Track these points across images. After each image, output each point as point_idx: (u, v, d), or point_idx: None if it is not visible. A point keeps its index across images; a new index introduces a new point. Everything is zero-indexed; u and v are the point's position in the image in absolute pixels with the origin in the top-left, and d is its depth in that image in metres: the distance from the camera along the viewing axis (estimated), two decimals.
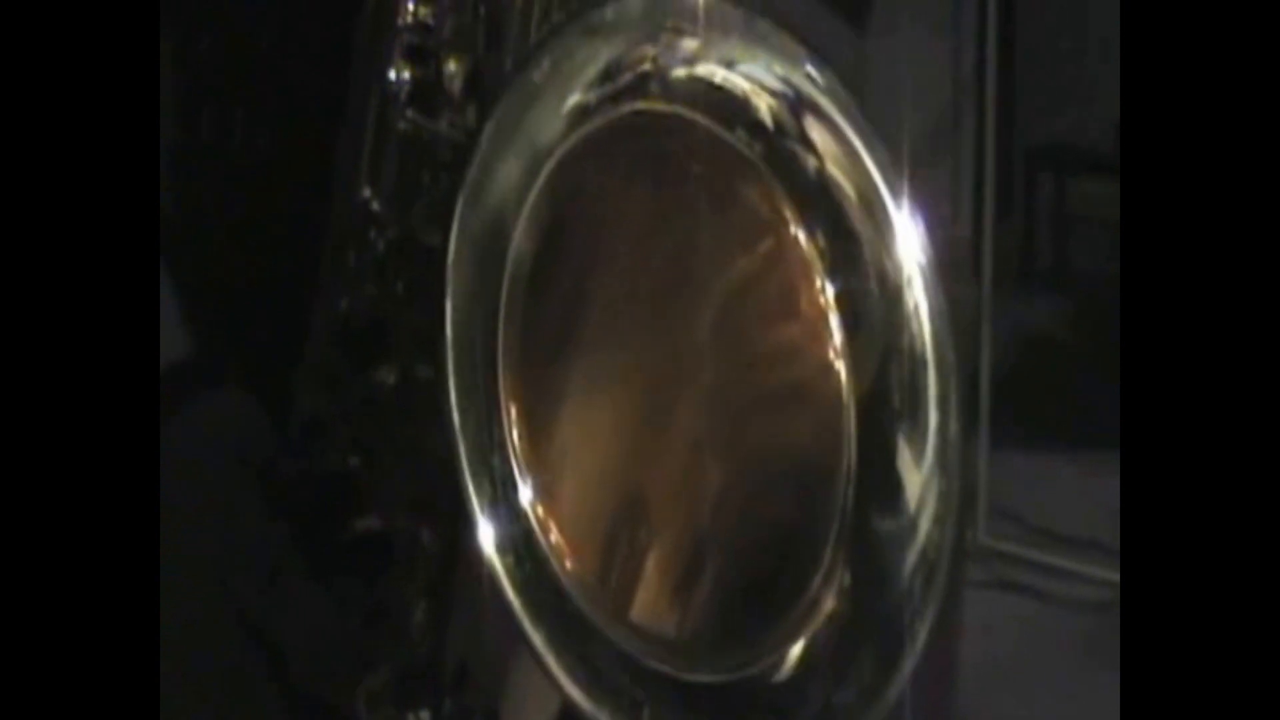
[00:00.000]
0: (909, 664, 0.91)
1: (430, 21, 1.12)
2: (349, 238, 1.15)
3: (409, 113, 1.12)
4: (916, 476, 0.92)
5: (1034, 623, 2.65)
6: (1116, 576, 2.52)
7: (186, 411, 1.09)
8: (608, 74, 0.96)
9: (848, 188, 0.90)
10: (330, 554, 1.16)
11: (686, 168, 0.96)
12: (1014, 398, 2.87)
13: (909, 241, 0.89)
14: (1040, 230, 3.58)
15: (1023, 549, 2.81)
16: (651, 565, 0.99)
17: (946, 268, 0.91)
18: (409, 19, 1.12)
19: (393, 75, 1.12)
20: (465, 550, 1.06)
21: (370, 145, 1.13)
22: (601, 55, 0.96)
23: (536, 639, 0.99)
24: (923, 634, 0.92)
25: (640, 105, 0.96)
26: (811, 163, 0.91)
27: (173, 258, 1.12)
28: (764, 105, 0.92)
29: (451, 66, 1.12)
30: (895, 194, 0.89)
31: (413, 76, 1.12)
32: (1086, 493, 2.73)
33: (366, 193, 1.13)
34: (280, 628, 1.19)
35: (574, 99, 0.97)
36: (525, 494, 1.02)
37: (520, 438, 1.02)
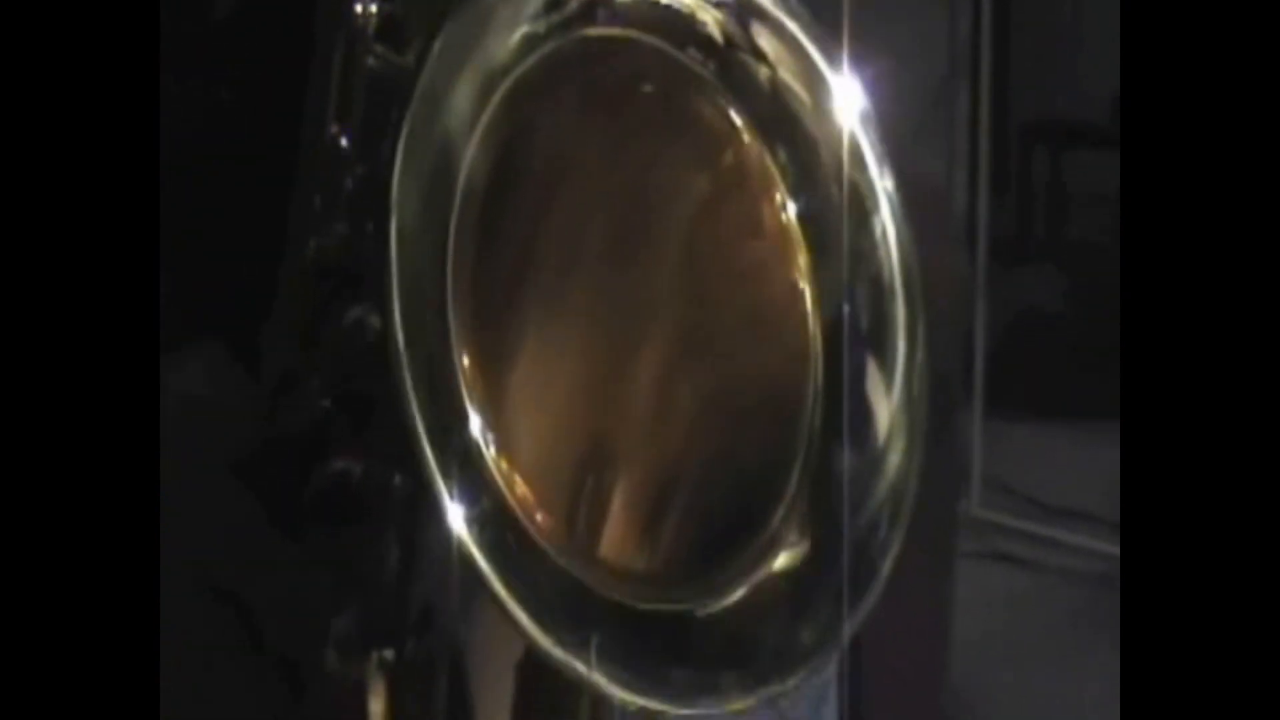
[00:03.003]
0: (871, 599, 0.90)
1: None
2: (318, 177, 1.13)
3: (377, 48, 1.11)
4: (885, 407, 0.91)
5: (1029, 595, 2.65)
6: (1113, 549, 2.52)
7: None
8: (554, 2, 0.95)
9: (802, 93, 0.89)
10: (301, 500, 1.15)
11: (640, 93, 0.95)
12: (1009, 370, 2.88)
13: (862, 137, 0.88)
14: (1036, 204, 3.57)
15: (1018, 521, 2.80)
16: (618, 501, 0.98)
17: (915, 192, 0.90)
18: None
19: (359, 9, 1.11)
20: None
21: (338, 81, 1.12)
22: None
23: (493, 579, 0.98)
24: (885, 569, 0.90)
25: (590, 31, 0.94)
26: (764, 72, 0.89)
27: None
28: (710, 19, 0.91)
29: None
30: (835, 66, 0.88)
31: (380, 10, 1.11)
32: (1080, 465, 2.72)
33: (334, 129, 1.12)
34: (250, 578, 1.18)
35: (523, 29, 0.95)
36: (477, 430, 1.00)
37: (475, 378, 1.00)
